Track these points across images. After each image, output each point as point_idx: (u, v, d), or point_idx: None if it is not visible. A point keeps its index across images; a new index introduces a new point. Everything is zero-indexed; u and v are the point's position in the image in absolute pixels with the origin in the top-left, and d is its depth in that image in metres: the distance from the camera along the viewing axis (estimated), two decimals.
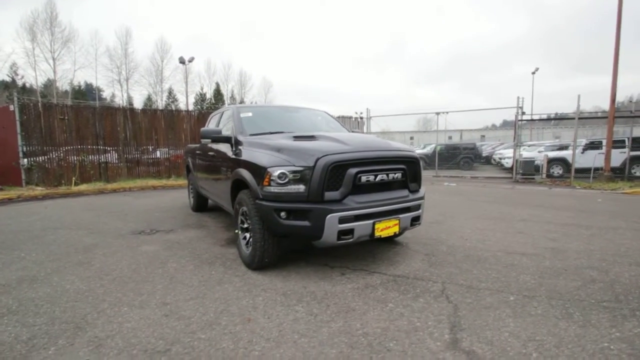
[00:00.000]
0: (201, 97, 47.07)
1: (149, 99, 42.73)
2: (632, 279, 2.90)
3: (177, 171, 11.96)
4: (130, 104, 39.46)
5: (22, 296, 2.71)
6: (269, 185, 2.80)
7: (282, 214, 2.74)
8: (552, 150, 14.92)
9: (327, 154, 2.74)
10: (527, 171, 12.69)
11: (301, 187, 2.72)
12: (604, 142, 12.92)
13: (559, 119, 17.40)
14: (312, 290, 2.74)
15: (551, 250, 3.68)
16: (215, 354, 1.90)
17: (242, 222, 3.40)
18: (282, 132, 3.77)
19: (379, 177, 2.91)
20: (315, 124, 4.53)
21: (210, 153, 4.53)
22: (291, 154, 2.85)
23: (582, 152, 12.51)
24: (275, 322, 2.24)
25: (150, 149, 11.56)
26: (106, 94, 44.64)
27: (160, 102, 43.06)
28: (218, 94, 49.31)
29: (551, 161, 13.15)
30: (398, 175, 3.05)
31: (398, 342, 2.01)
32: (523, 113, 12.12)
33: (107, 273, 3.19)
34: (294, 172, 2.73)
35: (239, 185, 3.44)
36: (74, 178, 9.73)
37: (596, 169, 11.23)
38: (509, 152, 15.70)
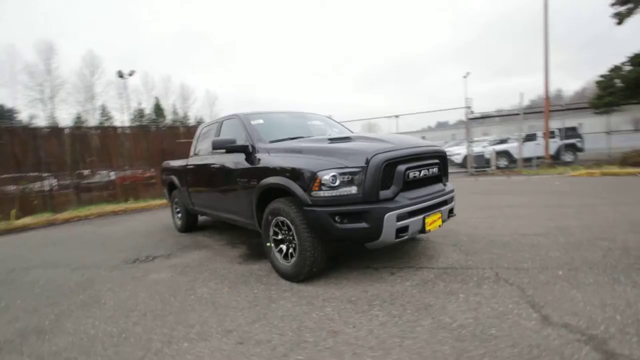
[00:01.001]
0: (139, 113, 43.83)
1: (78, 118, 38.57)
2: (638, 243, 3.30)
3: (135, 193, 10.92)
4: (55, 124, 35.27)
5: (40, 352, 2.23)
6: (319, 189, 2.69)
7: (337, 218, 2.64)
8: (494, 144, 16.54)
9: (378, 153, 2.71)
10: (480, 164, 13.88)
11: (353, 189, 2.65)
12: (538, 133, 14.68)
13: (505, 115, 19.40)
14: (375, 293, 2.67)
15: (556, 229, 4.05)
16: None
17: (276, 234, 3.20)
18: (303, 137, 3.66)
19: (422, 173, 2.96)
20: (325, 127, 4.47)
21: (215, 166, 4.21)
22: (340, 155, 2.77)
23: (522, 144, 14.06)
24: (365, 330, 2.14)
25: (105, 172, 10.41)
26: (24, 115, 39.28)
27: (92, 121, 39.13)
28: (158, 108, 46.36)
29: (498, 154, 14.55)
30: (435, 169, 3.13)
31: (497, 328, 2.04)
32: (472, 112, 13.28)
33: (131, 309, 2.77)
34: (346, 173, 2.65)
35: (267, 195, 3.25)
36: (13, 211, 8.35)
37: (536, 158, 12.68)
38: (458, 149, 17.06)
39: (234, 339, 2.18)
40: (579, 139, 14.40)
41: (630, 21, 11.14)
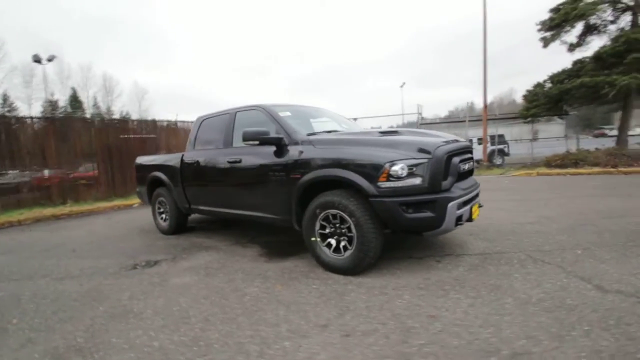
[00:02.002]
0: (51, 105, 38.04)
1: None
2: (620, 227, 3.95)
3: (76, 195, 9.51)
4: None
5: None
6: (387, 180, 2.72)
7: (406, 207, 2.70)
8: None
9: (440, 145, 2.85)
10: None
11: (417, 180, 2.74)
12: (473, 139, 16.52)
13: (453, 122, 21.34)
14: (438, 279, 2.78)
15: (543, 218, 4.66)
16: (475, 348, 1.80)
17: (323, 228, 3.13)
18: (339, 130, 3.63)
19: (467, 165, 3.18)
20: (345, 122, 4.48)
21: (233, 160, 3.91)
22: (404, 147, 2.82)
23: None
24: (459, 312, 2.23)
25: (40, 171, 8.84)
26: None
27: None
28: (75, 100, 40.90)
29: None
30: (472, 163, 3.39)
31: (570, 298, 2.30)
32: (422, 118, 14.41)
33: (184, 316, 2.45)
34: (413, 165, 2.72)
35: (312, 188, 3.15)
36: None
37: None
38: None
39: (336, 332, 2.09)
40: (506, 145, 16.60)
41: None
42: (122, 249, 4.51)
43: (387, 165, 2.71)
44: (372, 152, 2.85)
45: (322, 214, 3.08)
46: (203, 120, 4.67)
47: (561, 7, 11.75)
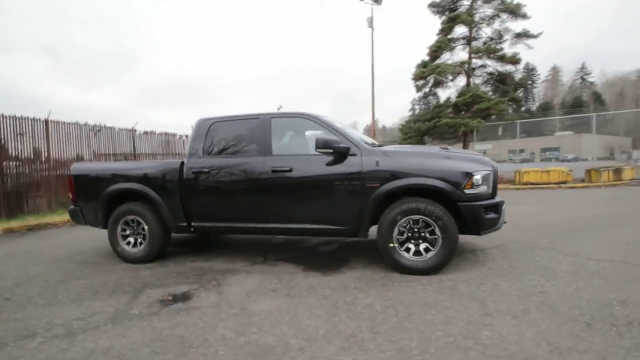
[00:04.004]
0: None
1: None
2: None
3: None
4: None
5: None
6: (471, 188, 3.21)
7: (484, 210, 3.25)
8: None
9: (491, 160, 3.55)
10: None
11: (485, 187, 3.33)
12: None
13: None
14: (500, 267, 3.41)
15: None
16: None
17: (401, 234, 3.33)
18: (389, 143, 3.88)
19: None
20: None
21: (278, 168, 3.57)
22: (476, 161, 3.37)
23: None
24: (555, 292, 2.78)
25: None
26: None
27: None
28: None
29: None
30: None
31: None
32: None
33: (353, 333, 2.22)
34: (486, 175, 3.31)
35: (388, 197, 3.33)
36: None
37: None
38: None
39: (503, 315, 2.38)
40: None
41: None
42: (105, 284, 3.34)
43: (474, 175, 3.22)
44: (453, 164, 3.30)
45: (401, 220, 3.29)
46: (213, 124, 4.03)
47: (427, 63, 15.46)
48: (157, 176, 4.01)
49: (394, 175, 3.32)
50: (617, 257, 3.58)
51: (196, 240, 5.24)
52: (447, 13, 15.62)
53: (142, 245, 4.07)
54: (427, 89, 16.23)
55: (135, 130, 11.29)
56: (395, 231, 3.31)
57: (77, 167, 4.45)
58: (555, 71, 67.59)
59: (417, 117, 17.02)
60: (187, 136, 13.36)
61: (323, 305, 2.73)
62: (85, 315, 2.71)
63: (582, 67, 65.25)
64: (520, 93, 16.80)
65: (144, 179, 4.04)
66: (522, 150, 31.72)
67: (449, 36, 15.28)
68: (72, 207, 4.44)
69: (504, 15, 14.78)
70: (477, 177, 3.24)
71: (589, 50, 50.54)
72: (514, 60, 14.42)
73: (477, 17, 15.24)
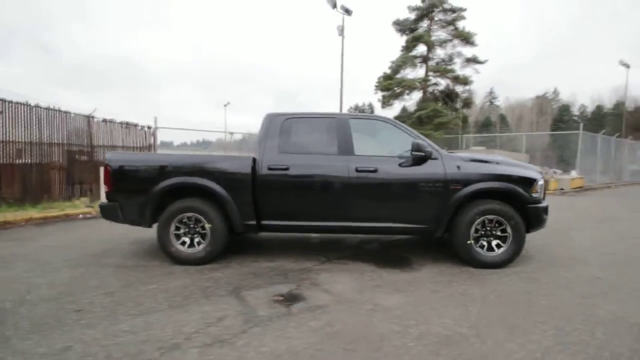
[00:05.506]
0: None
1: None
2: None
3: None
4: None
5: None
6: (536, 192, 3.73)
7: (544, 211, 3.80)
8: None
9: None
10: None
11: (542, 192, 3.91)
12: None
13: None
14: (547, 258, 4.01)
15: None
16: None
17: (476, 231, 3.70)
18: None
19: None
20: None
21: (363, 168, 3.65)
22: (532, 169, 3.92)
23: None
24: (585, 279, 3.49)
25: None
26: None
27: None
28: None
29: None
30: None
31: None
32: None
33: (482, 321, 2.47)
34: (542, 182, 3.88)
35: (467, 198, 3.67)
36: None
37: None
38: None
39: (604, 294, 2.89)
40: None
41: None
42: (185, 288, 3.02)
43: (538, 180, 3.75)
44: (522, 171, 3.80)
45: (479, 219, 3.66)
46: (286, 120, 3.91)
47: (391, 76, 16.63)
48: (226, 171, 3.74)
49: (474, 179, 3.68)
50: None
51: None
52: (407, 32, 17.01)
53: (202, 245, 3.74)
54: (392, 100, 17.41)
55: (93, 117, 9.90)
56: (472, 229, 3.67)
57: (117, 158, 3.88)
58: (470, 93, 77.63)
59: None
60: (148, 127, 12.17)
61: (443, 298, 2.93)
62: (211, 321, 2.46)
63: (491, 92, 75.84)
64: (464, 110, 19.13)
65: (209, 173, 3.72)
66: None
67: (411, 53, 16.69)
68: (105, 202, 3.84)
69: (455, 41, 16.69)
70: (540, 183, 3.79)
71: (496, 78, 59.40)
72: (466, 81, 16.44)
73: (433, 39, 16.92)
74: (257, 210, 3.76)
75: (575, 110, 57.92)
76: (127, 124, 11.23)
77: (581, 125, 15.33)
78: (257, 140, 4.01)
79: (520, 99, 64.46)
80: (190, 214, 3.73)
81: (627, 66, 23.60)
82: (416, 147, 3.57)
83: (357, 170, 3.71)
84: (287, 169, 3.73)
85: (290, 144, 3.88)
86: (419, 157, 3.69)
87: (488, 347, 2.14)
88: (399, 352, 2.08)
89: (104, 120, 10.29)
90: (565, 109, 56.38)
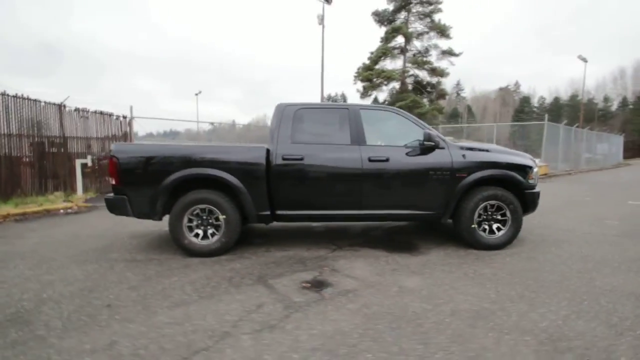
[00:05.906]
0: None
1: None
2: None
3: None
4: None
5: None
6: (532, 178, 4.04)
7: (538, 196, 4.12)
8: None
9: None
10: None
11: (536, 178, 4.23)
12: None
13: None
14: (547, 239, 4.36)
15: None
16: None
17: (479, 216, 3.95)
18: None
19: None
20: None
21: (376, 157, 3.76)
22: (525, 156, 4.22)
23: None
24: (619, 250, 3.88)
25: None
26: None
27: None
28: None
29: None
30: None
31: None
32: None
33: (502, 297, 2.71)
34: (536, 169, 4.19)
35: (471, 185, 3.90)
36: None
37: None
38: None
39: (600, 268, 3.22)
40: None
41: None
42: (209, 278, 3.02)
43: (534, 167, 4.05)
44: (520, 159, 4.08)
45: (482, 205, 3.92)
46: (298, 110, 3.93)
47: (371, 66, 16.82)
48: (240, 162, 3.71)
49: (478, 167, 3.92)
50: None
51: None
52: (386, 23, 17.21)
53: (216, 237, 3.71)
54: (371, 91, 17.64)
55: (65, 107, 9.25)
56: (476, 214, 3.92)
57: (124, 149, 3.71)
58: (438, 84, 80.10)
59: None
60: (124, 117, 11.56)
61: (459, 278, 3.13)
62: (251, 308, 2.51)
63: (458, 84, 78.50)
64: (439, 101, 19.82)
65: (223, 164, 3.67)
66: None
67: (389, 45, 16.94)
68: (112, 195, 3.70)
69: (432, 33, 17.14)
70: (536, 170, 4.10)
71: (464, 69, 61.64)
72: (442, 73, 16.99)
73: (410, 31, 17.25)
74: (271, 200, 3.79)
75: (535, 102, 61.45)
76: (102, 113, 10.61)
77: (546, 116, 16.39)
78: (269, 130, 4.00)
79: (485, 91, 67.45)
80: (203, 206, 3.68)
81: (585, 60, 25.39)
82: (427, 137, 3.74)
83: (369, 160, 3.83)
84: (302, 159, 3.77)
85: (303, 135, 3.91)
86: (429, 147, 3.87)
87: (516, 318, 2.36)
88: (440, 327, 2.25)
89: (77, 110, 9.65)
90: (526, 100, 59.69)
